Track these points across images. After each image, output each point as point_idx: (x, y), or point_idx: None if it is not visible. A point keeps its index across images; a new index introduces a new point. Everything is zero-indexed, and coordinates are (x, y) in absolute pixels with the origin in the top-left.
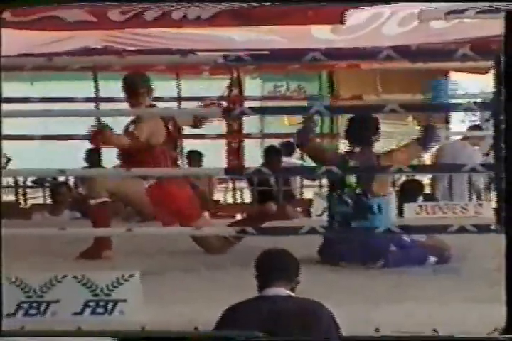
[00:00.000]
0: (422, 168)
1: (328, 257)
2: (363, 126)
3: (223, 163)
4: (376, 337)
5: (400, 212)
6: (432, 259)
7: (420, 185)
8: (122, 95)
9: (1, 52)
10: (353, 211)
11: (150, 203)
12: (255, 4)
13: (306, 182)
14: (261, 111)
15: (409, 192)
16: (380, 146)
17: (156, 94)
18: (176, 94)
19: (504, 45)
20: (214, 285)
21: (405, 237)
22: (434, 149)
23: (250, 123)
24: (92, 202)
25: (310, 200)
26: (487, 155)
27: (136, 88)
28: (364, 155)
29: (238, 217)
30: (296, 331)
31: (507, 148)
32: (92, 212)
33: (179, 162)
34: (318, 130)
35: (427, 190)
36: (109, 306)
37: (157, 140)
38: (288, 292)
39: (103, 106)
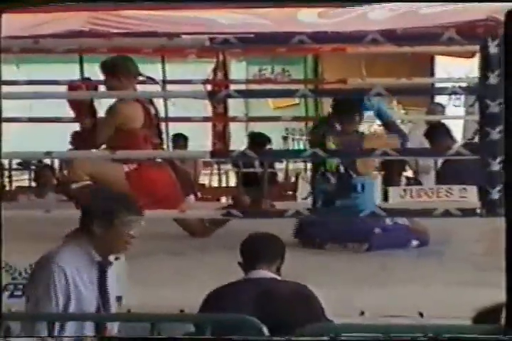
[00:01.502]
0: (407, 152)
1: (306, 239)
2: (346, 105)
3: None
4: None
5: (385, 196)
6: (415, 242)
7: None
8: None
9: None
10: (337, 190)
11: (130, 187)
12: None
13: (291, 165)
14: (246, 94)
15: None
16: (363, 128)
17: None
18: (161, 77)
19: (504, 45)
20: (199, 268)
21: (388, 220)
22: None
23: (235, 107)
24: (74, 185)
25: (295, 184)
26: (472, 139)
27: (116, 71)
28: (347, 134)
29: (223, 200)
30: (281, 313)
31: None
32: (74, 196)
33: (162, 147)
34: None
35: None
36: None
37: (134, 124)
38: (272, 275)
39: None
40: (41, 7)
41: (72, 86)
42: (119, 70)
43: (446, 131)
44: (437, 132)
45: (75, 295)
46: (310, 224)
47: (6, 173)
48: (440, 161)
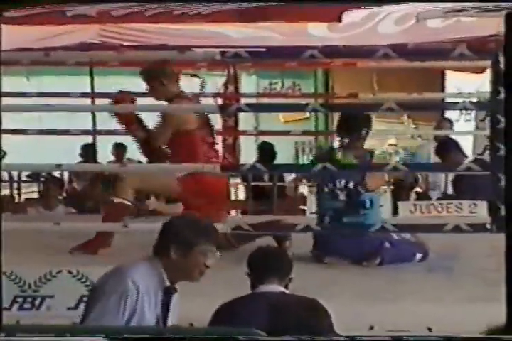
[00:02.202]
0: (417, 167)
1: (321, 254)
2: (354, 119)
3: None
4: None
5: (395, 211)
6: (419, 256)
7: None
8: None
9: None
10: (345, 206)
11: (182, 192)
12: (254, 4)
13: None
14: (257, 108)
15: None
16: (373, 144)
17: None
18: None
19: (504, 45)
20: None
21: (395, 235)
22: None
23: (245, 120)
24: (113, 199)
25: (304, 197)
26: (482, 154)
27: (156, 75)
28: (355, 148)
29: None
30: (290, 327)
31: (507, 148)
32: (107, 208)
33: (216, 146)
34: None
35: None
36: None
37: (190, 125)
38: (282, 289)
39: (99, 101)
40: (51, 18)
41: (117, 99)
42: (160, 74)
43: (456, 146)
44: (447, 148)
45: (138, 313)
46: (324, 239)
47: (15, 185)
48: (450, 176)
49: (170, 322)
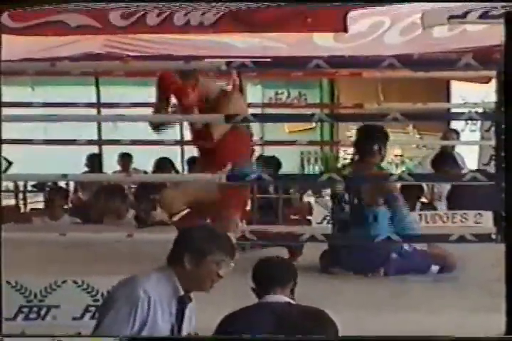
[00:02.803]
0: (423, 177)
1: (328, 263)
2: (368, 137)
3: None
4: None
5: None
6: (435, 268)
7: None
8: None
9: (0, 53)
10: (351, 219)
11: (222, 199)
12: (254, 6)
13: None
14: (263, 118)
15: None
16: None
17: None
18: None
19: (505, 45)
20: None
21: (407, 245)
22: None
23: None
24: (175, 218)
25: (310, 208)
26: (487, 164)
27: (189, 73)
28: (365, 164)
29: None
30: (295, 338)
31: (507, 157)
32: (178, 227)
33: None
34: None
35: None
36: None
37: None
38: (287, 299)
39: (104, 112)
40: (54, 29)
41: (161, 76)
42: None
43: (452, 159)
44: (443, 161)
45: (151, 323)
46: (330, 250)
47: (21, 195)
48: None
49: (186, 331)
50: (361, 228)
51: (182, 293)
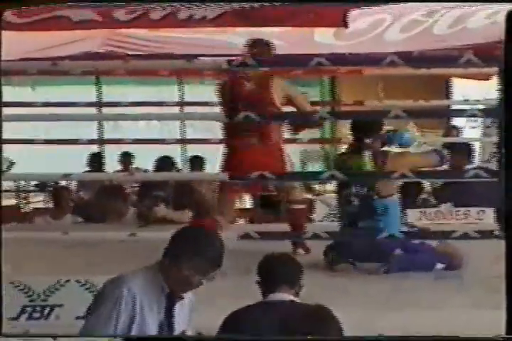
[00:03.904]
0: (426, 174)
1: (331, 260)
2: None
3: None
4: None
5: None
6: (440, 265)
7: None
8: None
9: (0, 54)
10: (359, 212)
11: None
12: (257, 5)
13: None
14: (265, 116)
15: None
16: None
17: (159, 98)
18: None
19: (505, 45)
20: (217, 290)
21: (414, 242)
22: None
23: None
24: (293, 206)
25: (312, 205)
26: (489, 161)
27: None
28: (372, 148)
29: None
30: (299, 337)
31: (507, 154)
32: (292, 216)
33: None
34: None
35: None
36: None
37: None
38: (292, 297)
39: (105, 111)
40: (55, 24)
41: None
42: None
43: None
44: None
45: (138, 320)
46: (335, 245)
47: (23, 195)
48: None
49: (179, 328)
50: (370, 220)
51: (168, 291)
